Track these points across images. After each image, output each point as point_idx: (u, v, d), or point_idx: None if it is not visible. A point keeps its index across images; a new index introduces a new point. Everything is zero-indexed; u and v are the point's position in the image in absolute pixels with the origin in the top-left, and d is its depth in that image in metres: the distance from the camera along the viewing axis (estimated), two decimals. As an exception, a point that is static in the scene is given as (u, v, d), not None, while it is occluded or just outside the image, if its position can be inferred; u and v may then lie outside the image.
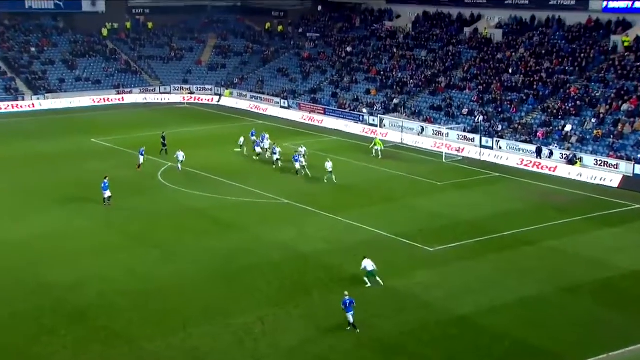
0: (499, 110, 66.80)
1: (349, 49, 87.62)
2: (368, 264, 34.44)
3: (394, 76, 78.83)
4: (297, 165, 53.43)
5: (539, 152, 58.38)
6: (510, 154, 60.01)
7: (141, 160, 55.28)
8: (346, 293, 30.93)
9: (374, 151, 60.18)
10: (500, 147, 61.83)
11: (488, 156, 60.46)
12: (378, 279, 34.09)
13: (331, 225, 43.30)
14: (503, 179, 54.82)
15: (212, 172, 54.53)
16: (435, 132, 66.14)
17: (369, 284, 34.15)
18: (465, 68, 74.76)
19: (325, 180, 51.70)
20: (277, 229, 42.48)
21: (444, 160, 59.67)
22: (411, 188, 51.90)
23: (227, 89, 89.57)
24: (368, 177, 53.89)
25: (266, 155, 58.35)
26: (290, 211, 46.10)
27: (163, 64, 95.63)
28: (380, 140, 61.71)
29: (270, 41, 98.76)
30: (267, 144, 59.06)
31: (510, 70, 70.96)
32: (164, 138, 60.01)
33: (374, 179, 53.56)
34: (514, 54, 73.25)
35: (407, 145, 65.45)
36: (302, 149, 56.04)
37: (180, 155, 54.99)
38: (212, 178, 53.34)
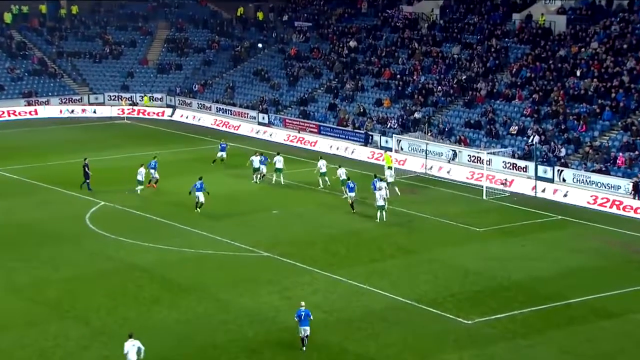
0: (562, 128, 67.04)
1: (352, 43, 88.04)
2: (131, 352, 32.54)
3: (414, 81, 79.17)
4: (380, 195, 54.01)
5: (637, 189, 57.79)
6: (579, 189, 60.17)
7: (156, 175, 60.30)
8: (302, 304, 34.28)
9: (388, 175, 61.04)
10: (563, 180, 61.99)
11: (547, 192, 60.69)
12: None
13: (327, 288, 43.15)
14: (568, 223, 54.87)
15: (161, 214, 54.57)
16: (473, 159, 66.46)
17: None
18: (514, 70, 75.14)
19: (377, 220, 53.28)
20: (252, 294, 42.28)
21: (484, 197, 59.88)
22: (439, 235, 51.97)
23: (145, 95, 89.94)
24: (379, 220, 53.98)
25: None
26: (271, 268, 46.00)
27: (93, 63, 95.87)
28: (389, 156, 64.32)
29: (244, 33, 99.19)
30: (322, 165, 61.30)
31: (578, 73, 71.26)
32: (86, 167, 59.99)
33: (387, 223, 53.48)
34: (583, 49, 73.62)
35: (433, 176, 65.72)
36: (390, 176, 58.31)
37: (141, 172, 58.06)
38: (162, 222, 53.37)
